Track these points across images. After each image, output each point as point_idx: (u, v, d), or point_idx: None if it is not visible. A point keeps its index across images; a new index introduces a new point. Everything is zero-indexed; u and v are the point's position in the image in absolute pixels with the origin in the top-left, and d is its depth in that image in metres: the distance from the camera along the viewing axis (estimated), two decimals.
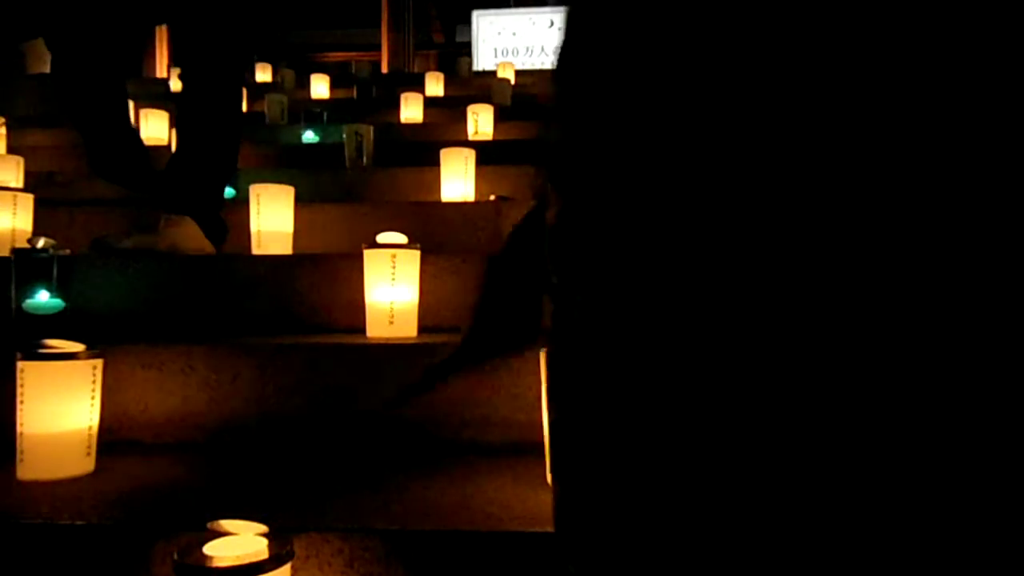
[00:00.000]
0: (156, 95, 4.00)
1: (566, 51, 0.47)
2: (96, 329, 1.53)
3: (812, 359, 0.36)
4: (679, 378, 0.38)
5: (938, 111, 0.34)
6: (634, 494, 0.40)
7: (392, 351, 1.38)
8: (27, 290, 1.50)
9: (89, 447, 1.18)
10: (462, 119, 3.29)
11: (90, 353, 1.17)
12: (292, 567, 0.84)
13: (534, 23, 8.17)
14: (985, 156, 0.34)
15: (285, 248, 1.91)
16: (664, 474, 0.39)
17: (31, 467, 1.13)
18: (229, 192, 2.33)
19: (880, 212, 0.35)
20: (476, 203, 2.24)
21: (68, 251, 1.56)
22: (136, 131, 2.15)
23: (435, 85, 4.54)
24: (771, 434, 0.36)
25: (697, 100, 0.38)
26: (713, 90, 0.38)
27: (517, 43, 8.15)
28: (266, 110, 3.65)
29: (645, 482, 0.39)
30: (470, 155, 2.35)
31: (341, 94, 4.55)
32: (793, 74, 0.36)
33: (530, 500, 1.03)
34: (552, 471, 0.48)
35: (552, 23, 7.93)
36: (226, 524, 0.80)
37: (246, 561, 0.76)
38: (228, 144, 1.91)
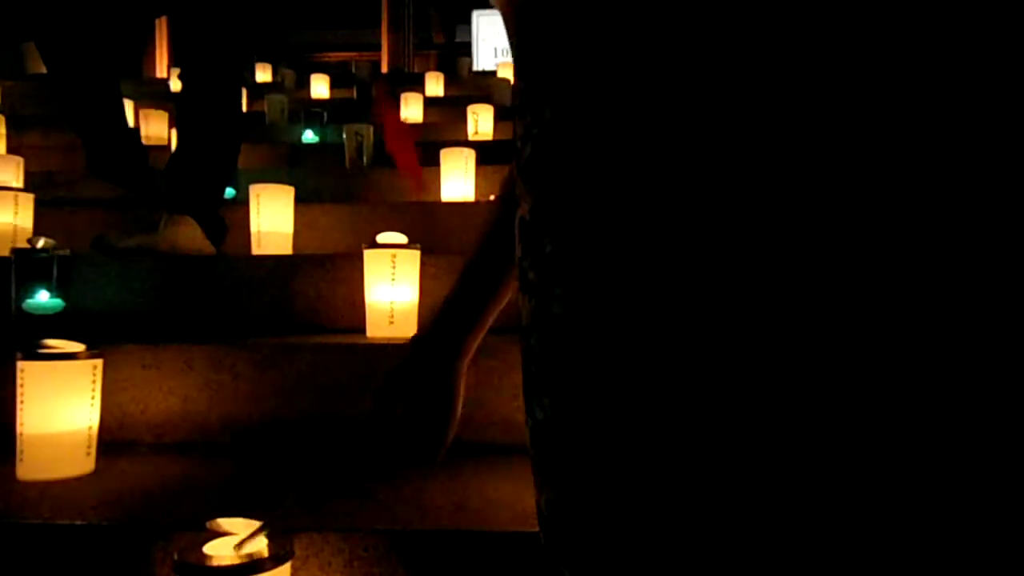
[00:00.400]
0: (156, 95, 4.00)
1: (526, 43, 0.47)
2: (96, 329, 1.53)
3: (797, 352, 0.36)
4: (668, 375, 0.38)
5: (933, 113, 0.34)
6: (631, 495, 0.40)
7: (392, 351, 1.38)
8: (27, 290, 1.50)
9: (89, 447, 1.18)
10: (462, 119, 3.29)
11: (90, 353, 1.17)
12: (292, 567, 0.84)
13: None
14: (981, 157, 0.34)
15: (285, 248, 1.90)
16: (659, 473, 0.38)
17: (31, 467, 1.13)
18: (229, 192, 2.33)
19: (863, 211, 0.35)
20: (476, 203, 2.24)
21: (68, 251, 1.56)
22: (133, 131, 2.14)
23: (435, 85, 4.54)
24: (763, 431, 0.36)
25: (669, 92, 0.38)
26: (683, 84, 0.37)
27: None
28: (266, 110, 3.65)
29: (641, 481, 0.39)
30: (470, 155, 2.35)
31: (341, 94, 4.55)
32: (762, 64, 0.36)
33: (530, 500, 1.03)
34: (538, 473, 0.47)
35: None
36: (225, 523, 0.80)
37: (245, 560, 0.76)
38: (228, 143, 1.91)
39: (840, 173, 0.35)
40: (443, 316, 0.71)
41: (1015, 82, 0.34)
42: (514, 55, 0.49)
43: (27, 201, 1.89)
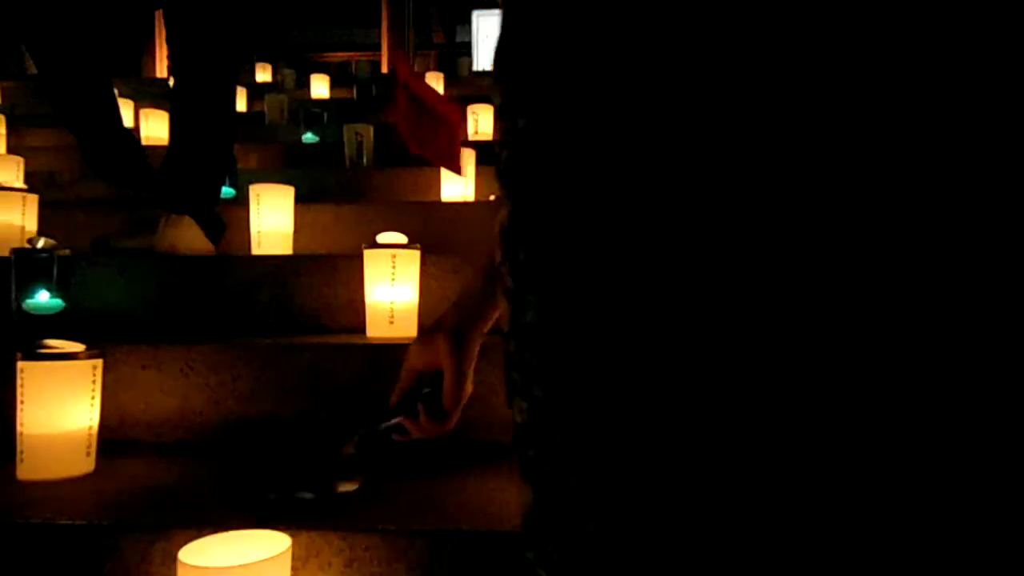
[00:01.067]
0: (156, 95, 4.00)
1: (500, 51, 0.47)
2: (96, 329, 1.53)
3: (772, 370, 0.36)
4: (636, 385, 0.38)
5: (933, 112, 0.34)
6: (602, 502, 0.40)
7: (392, 351, 1.38)
8: (27, 290, 1.50)
9: (89, 447, 1.18)
10: (462, 119, 3.29)
11: (90, 353, 1.17)
12: (292, 568, 0.84)
13: None
14: (982, 157, 0.34)
15: (285, 248, 1.91)
16: (626, 483, 0.39)
17: (31, 467, 1.13)
18: (229, 192, 2.33)
19: (865, 212, 0.35)
20: (476, 203, 2.24)
21: (68, 251, 1.56)
22: (129, 130, 2.14)
23: (435, 85, 4.54)
24: (735, 437, 0.36)
25: (637, 103, 0.38)
26: (661, 89, 0.37)
27: None
28: (266, 110, 3.65)
29: (609, 490, 0.39)
30: (470, 155, 2.35)
31: (341, 94, 4.54)
32: (744, 67, 0.36)
33: None
34: (521, 474, 0.48)
35: None
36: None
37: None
38: (223, 141, 1.90)
39: (823, 182, 0.35)
40: (465, 297, 0.77)
41: (1014, 83, 0.34)
42: (495, 57, 0.49)
43: (33, 202, 1.89)
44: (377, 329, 1.51)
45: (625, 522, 0.39)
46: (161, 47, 6.20)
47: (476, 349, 0.77)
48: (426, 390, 0.77)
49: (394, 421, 0.79)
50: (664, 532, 0.38)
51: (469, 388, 0.77)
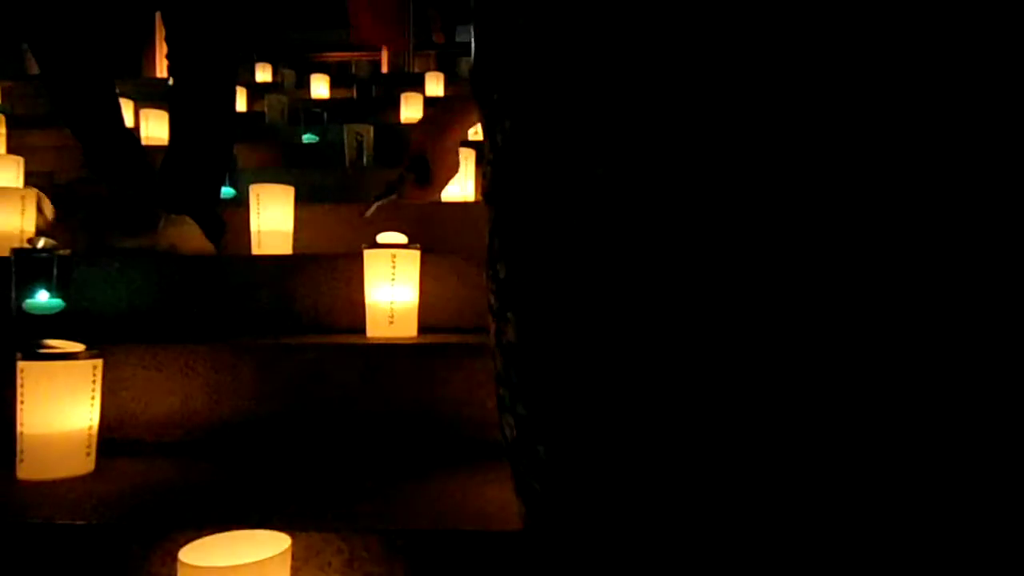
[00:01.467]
0: (156, 95, 3.99)
1: (481, 68, 0.48)
2: (96, 329, 1.53)
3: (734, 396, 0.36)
4: (609, 404, 0.39)
5: (933, 112, 0.34)
6: (593, 511, 0.40)
7: (392, 351, 1.38)
8: (27, 290, 1.50)
9: (89, 447, 1.18)
10: None
11: (90, 353, 1.17)
12: (292, 568, 0.84)
13: None
14: (982, 157, 0.34)
15: (285, 248, 1.90)
16: (598, 501, 0.39)
17: (31, 467, 1.13)
18: (229, 192, 2.33)
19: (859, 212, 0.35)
20: (476, 203, 2.24)
21: (68, 251, 1.56)
22: (130, 131, 2.14)
23: (435, 85, 4.54)
24: (694, 430, 0.37)
25: (622, 118, 0.38)
26: (634, 111, 0.38)
27: None
28: (266, 110, 3.65)
29: (601, 498, 0.40)
30: (470, 155, 2.35)
31: (341, 94, 4.54)
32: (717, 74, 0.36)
33: None
34: (516, 488, 0.48)
35: None
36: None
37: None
38: (223, 141, 1.90)
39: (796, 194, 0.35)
40: (451, 99, 0.87)
41: (1013, 83, 0.34)
42: (471, 72, 0.50)
43: (33, 198, 1.89)
44: (377, 329, 1.51)
45: (608, 534, 0.39)
46: (161, 47, 6.20)
47: (452, 135, 1.00)
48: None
49: (395, 182, 1.11)
50: (646, 545, 0.38)
51: (450, 161, 1.03)
